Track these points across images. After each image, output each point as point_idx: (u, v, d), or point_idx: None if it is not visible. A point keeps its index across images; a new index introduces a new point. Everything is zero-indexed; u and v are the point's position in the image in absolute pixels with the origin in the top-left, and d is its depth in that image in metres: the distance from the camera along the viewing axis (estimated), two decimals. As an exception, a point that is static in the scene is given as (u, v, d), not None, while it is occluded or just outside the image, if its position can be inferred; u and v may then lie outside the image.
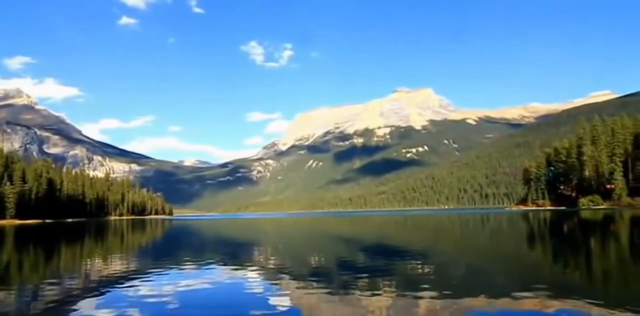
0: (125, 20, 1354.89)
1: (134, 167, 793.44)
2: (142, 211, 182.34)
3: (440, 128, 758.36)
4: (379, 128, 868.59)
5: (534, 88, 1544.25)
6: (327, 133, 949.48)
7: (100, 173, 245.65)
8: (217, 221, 78.22)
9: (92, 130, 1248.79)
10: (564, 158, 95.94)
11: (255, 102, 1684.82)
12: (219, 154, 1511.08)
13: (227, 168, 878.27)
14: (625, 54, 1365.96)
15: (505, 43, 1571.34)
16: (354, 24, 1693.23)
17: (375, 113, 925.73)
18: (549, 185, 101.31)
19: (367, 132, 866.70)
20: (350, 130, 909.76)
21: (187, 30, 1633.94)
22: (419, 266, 11.25)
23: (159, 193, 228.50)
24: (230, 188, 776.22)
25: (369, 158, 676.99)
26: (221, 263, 12.64)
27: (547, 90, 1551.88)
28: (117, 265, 12.89)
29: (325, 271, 10.80)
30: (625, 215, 42.94)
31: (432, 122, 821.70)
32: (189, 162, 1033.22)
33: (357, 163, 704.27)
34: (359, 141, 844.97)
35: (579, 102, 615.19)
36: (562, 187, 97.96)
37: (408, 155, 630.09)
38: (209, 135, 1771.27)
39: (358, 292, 7.70)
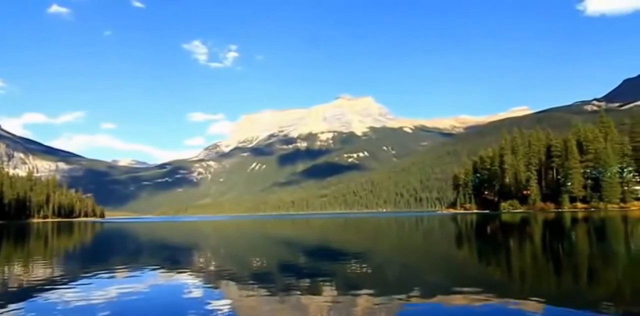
0: (55, 8, 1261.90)
1: (62, 165, 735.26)
2: (70, 213, 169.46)
3: (380, 135, 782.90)
4: (322, 133, 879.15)
5: (464, 102, 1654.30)
6: (271, 136, 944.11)
7: (22, 172, 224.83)
8: (154, 224, 74.67)
9: (13, 124, 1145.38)
10: (488, 166, 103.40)
11: (197, 102, 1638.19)
12: (157, 154, 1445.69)
13: (165, 169, 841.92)
14: (541, 75, 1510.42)
15: (440, 58, 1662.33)
16: (301, 30, 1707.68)
17: (318, 119, 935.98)
18: (475, 190, 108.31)
19: (311, 136, 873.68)
20: (294, 134, 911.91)
21: (125, 24, 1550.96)
22: (358, 267, 11.60)
23: (89, 195, 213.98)
24: (168, 189, 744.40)
25: (312, 162, 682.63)
26: (158, 268, 12.16)
27: (475, 103, 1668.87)
28: (39, 272, 11.89)
29: (267, 274, 10.79)
30: (538, 218, 46.97)
31: (372, 129, 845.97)
32: (124, 161, 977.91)
33: (301, 166, 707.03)
34: (302, 145, 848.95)
35: (502, 115, 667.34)
36: (486, 192, 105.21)
37: (349, 159, 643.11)
38: (146, 134, 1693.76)
39: (299, 294, 7.80)
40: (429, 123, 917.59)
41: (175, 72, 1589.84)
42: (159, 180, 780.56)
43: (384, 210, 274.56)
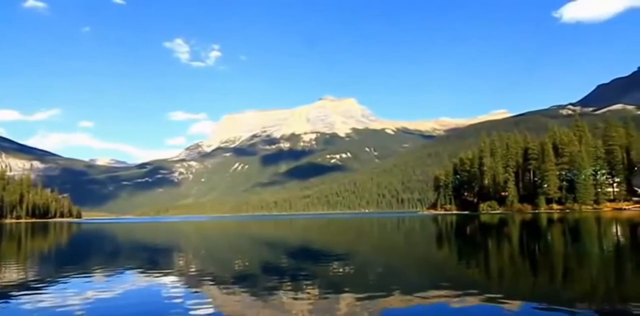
0: (32, 2, 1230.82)
1: (37, 164, 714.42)
2: (45, 214, 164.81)
3: (362, 137, 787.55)
4: (305, 133, 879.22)
5: (445, 104, 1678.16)
6: (254, 136, 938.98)
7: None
8: (133, 224, 73.32)
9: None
10: (467, 168, 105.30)
11: (178, 101, 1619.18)
12: (137, 154, 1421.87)
13: (145, 169, 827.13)
14: (520, 79, 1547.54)
15: (422, 61, 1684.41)
16: (285, 30, 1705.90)
17: (301, 119, 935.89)
18: (455, 192, 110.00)
19: (294, 137, 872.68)
20: (277, 135, 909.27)
21: (105, 21, 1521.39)
22: (341, 267, 11.66)
23: (65, 195, 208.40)
24: (148, 190, 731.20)
25: (295, 163, 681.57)
26: (137, 270, 11.96)
27: (455, 106, 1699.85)
28: (12, 275, 11.49)
29: (249, 276, 10.73)
30: (516, 219, 48.00)
31: (355, 130, 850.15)
32: (102, 161, 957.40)
33: (283, 167, 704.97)
34: (285, 145, 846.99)
35: (481, 118, 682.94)
36: (466, 194, 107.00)
37: (332, 160, 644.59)
38: (125, 133, 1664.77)
39: (281, 295, 7.79)
40: (411, 125, 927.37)
41: (156, 71, 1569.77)
42: (139, 180, 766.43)
43: (366, 210, 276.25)
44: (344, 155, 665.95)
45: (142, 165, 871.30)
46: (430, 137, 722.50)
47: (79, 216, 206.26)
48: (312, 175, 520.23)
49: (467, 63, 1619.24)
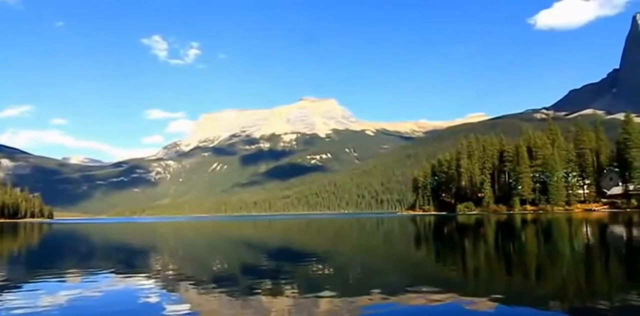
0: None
1: (6, 162, 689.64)
2: (15, 214, 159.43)
3: (343, 138, 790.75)
4: (285, 134, 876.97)
5: (424, 107, 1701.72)
6: (234, 136, 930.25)
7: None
8: (108, 225, 71.60)
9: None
10: (445, 170, 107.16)
11: (156, 99, 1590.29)
12: (112, 152, 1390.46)
13: (121, 168, 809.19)
14: (497, 83, 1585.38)
15: (402, 64, 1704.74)
16: (265, 29, 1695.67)
17: (281, 120, 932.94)
18: (433, 193, 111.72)
19: (274, 137, 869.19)
20: (257, 135, 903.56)
21: (80, 15, 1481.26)
22: (320, 268, 11.68)
23: (36, 194, 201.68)
24: (124, 189, 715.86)
25: (275, 163, 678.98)
26: (112, 272, 11.67)
27: (434, 109, 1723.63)
28: (-19, 277, 11.16)
29: (228, 276, 10.63)
30: (491, 220, 49.12)
31: (335, 131, 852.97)
32: (75, 159, 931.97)
33: (263, 167, 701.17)
34: (265, 146, 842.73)
35: (459, 121, 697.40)
36: (443, 195, 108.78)
37: (312, 161, 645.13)
38: (100, 131, 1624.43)
39: (260, 295, 7.76)
40: (391, 126, 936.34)
41: (132, 68, 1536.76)
42: (114, 180, 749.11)
43: (346, 211, 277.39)
44: (324, 156, 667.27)
45: (117, 164, 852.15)
46: (409, 138, 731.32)
47: (50, 216, 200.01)
48: (292, 175, 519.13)
49: (445, 66, 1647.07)
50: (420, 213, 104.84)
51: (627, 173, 76.60)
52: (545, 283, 9.07)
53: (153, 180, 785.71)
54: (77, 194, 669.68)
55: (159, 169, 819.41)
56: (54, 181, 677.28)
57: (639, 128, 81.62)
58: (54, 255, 18.58)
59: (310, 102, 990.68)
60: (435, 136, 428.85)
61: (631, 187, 75.47)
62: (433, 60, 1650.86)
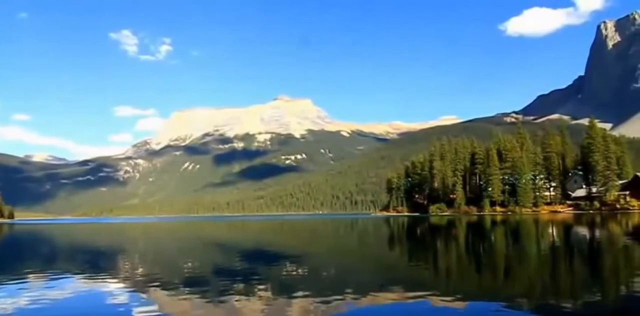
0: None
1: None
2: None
3: (318, 138, 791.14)
4: (260, 134, 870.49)
5: (398, 109, 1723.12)
6: (206, 135, 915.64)
7: None
8: (73, 226, 69.14)
9: None
10: (419, 171, 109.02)
11: (125, 96, 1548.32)
12: (78, 150, 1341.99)
13: (87, 167, 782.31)
14: (469, 87, 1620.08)
15: (377, 65, 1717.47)
16: (239, 27, 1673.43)
17: (255, 119, 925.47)
18: (407, 194, 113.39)
19: (248, 137, 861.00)
20: (231, 134, 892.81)
21: (44, 6, 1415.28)
22: (294, 269, 11.63)
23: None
24: (91, 189, 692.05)
25: (249, 163, 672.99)
26: (77, 274, 11.23)
27: (408, 111, 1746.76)
28: None
29: (199, 279, 10.41)
30: (462, 221, 50.28)
31: (310, 131, 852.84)
32: (39, 157, 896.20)
33: (237, 167, 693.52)
34: (239, 145, 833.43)
35: (432, 123, 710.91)
36: (417, 196, 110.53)
37: (287, 161, 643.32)
38: (66, 128, 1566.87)
39: (233, 297, 7.64)
40: (365, 128, 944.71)
41: (100, 62, 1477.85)
42: (80, 179, 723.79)
43: (321, 212, 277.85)
44: (298, 157, 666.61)
45: (83, 162, 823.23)
46: (384, 140, 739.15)
47: (11, 216, 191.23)
48: (266, 175, 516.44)
49: (419, 69, 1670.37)
50: (394, 214, 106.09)
51: (590, 177, 79.85)
52: (513, 283, 9.39)
53: (121, 179, 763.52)
54: (40, 193, 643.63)
55: (128, 168, 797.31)
56: (15, 179, 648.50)
57: (602, 134, 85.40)
58: (14, 258, 17.75)
59: (285, 101, 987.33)
60: (409, 138, 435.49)
61: (594, 190, 78.73)
62: (407, 62, 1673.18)
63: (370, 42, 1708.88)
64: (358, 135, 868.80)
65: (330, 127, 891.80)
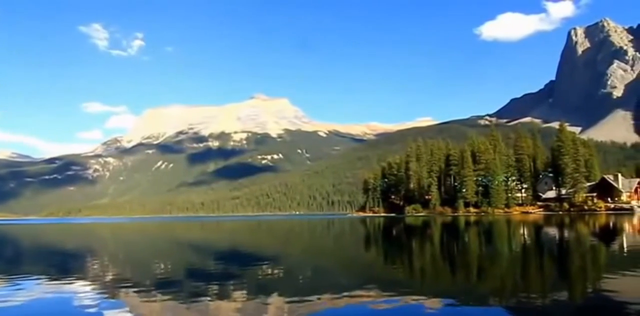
0: None
1: None
2: None
3: (295, 138, 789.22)
4: (236, 133, 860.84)
5: (375, 110, 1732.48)
6: (180, 133, 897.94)
7: None
8: (39, 226, 66.64)
9: None
10: (395, 172, 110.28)
11: (95, 92, 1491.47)
12: (45, 147, 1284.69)
13: (54, 165, 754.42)
14: (444, 89, 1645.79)
15: (355, 66, 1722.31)
16: (215, 22, 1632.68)
17: (232, 118, 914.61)
18: (383, 195, 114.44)
19: (224, 136, 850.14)
20: (206, 132, 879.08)
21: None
22: (270, 270, 11.52)
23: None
24: (58, 188, 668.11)
25: (224, 162, 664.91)
26: (44, 277, 10.77)
27: (385, 112, 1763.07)
28: None
29: (172, 281, 10.16)
30: (437, 221, 51.16)
31: (287, 131, 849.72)
32: (2, 154, 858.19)
33: (212, 166, 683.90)
34: (214, 144, 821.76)
35: (408, 124, 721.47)
36: (393, 197, 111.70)
37: (263, 161, 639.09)
38: (31, 124, 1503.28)
39: (207, 300, 7.49)
40: (343, 128, 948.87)
41: (69, 57, 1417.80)
42: (47, 177, 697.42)
43: (297, 212, 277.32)
44: (275, 156, 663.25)
45: (50, 160, 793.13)
46: (361, 140, 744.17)
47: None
48: (242, 175, 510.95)
49: (396, 70, 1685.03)
50: (370, 214, 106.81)
51: (560, 179, 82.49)
52: (485, 282, 9.62)
53: (90, 178, 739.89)
54: (4, 192, 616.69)
55: (97, 166, 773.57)
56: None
57: (572, 137, 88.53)
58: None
59: (261, 100, 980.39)
60: (385, 139, 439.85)
61: (563, 191, 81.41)
62: (384, 64, 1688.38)
63: (348, 44, 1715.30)
64: (335, 135, 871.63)
65: (308, 127, 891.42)
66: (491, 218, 57.41)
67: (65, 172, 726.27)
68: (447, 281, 9.71)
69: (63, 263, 14.96)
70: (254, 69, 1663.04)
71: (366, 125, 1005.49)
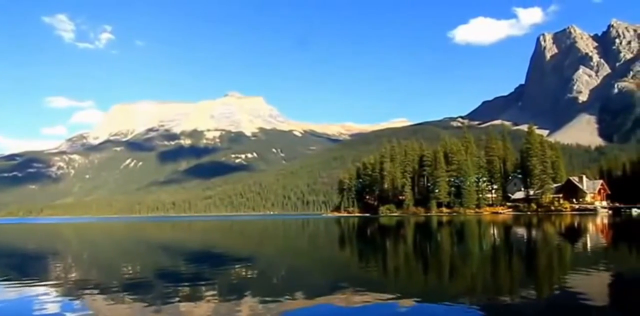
0: None
1: None
2: None
3: (270, 137, 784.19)
4: (209, 130, 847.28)
5: (351, 110, 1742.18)
6: (150, 130, 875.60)
7: None
8: (-3, 226, 63.54)
9: None
10: (369, 172, 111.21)
11: (59, 86, 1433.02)
12: (4, 143, 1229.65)
13: (14, 161, 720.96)
14: (418, 91, 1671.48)
15: (331, 65, 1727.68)
16: (188, 16, 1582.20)
17: (205, 115, 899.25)
18: (358, 195, 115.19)
19: (196, 133, 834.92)
20: (177, 130, 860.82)
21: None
22: (243, 271, 11.31)
23: None
24: (18, 185, 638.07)
25: (197, 161, 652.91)
26: (1, 279, 10.24)
27: (360, 112, 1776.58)
28: None
29: (141, 283, 9.83)
30: (411, 221, 51.91)
31: (262, 130, 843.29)
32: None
33: (184, 165, 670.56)
34: (186, 142, 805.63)
35: (383, 125, 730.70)
36: (367, 197, 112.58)
37: (237, 160, 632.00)
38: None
39: (178, 302, 7.28)
40: (318, 128, 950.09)
41: (31, 49, 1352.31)
42: (6, 175, 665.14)
43: (271, 212, 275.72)
44: (249, 155, 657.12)
45: (10, 157, 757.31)
46: (336, 140, 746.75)
47: None
48: (215, 174, 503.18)
49: (371, 71, 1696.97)
50: (345, 214, 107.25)
51: (528, 180, 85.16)
52: (457, 280, 9.77)
53: (54, 175, 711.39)
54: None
55: (62, 164, 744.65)
56: None
57: (539, 140, 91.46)
58: None
59: (236, 98, 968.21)
60: (360, 139, 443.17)
61: (531, 192, 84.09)
62: (360, 65, 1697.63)
63: (325, 44, 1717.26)
64: (310, 135, 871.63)
65: (283, 126, 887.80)
66: (463, 218, 58.66)
67: (26, 169, 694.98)
68: (420, 281, 9.82)
69: (23, 265, 14.27)
70: (228, 66, 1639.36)
71: (341, 125, 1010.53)
